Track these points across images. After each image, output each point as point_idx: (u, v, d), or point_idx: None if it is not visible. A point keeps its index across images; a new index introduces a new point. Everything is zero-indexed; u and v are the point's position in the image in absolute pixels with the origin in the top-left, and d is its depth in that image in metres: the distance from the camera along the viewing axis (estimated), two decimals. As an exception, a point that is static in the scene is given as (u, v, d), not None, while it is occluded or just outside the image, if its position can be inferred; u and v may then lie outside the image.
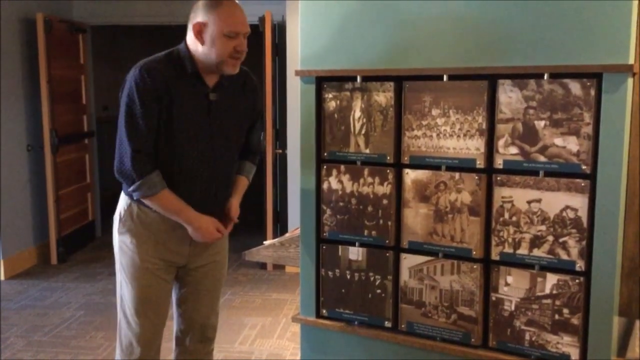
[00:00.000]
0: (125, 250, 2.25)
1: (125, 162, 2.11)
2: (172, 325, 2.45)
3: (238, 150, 2.34)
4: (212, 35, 2.08)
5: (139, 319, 2.24)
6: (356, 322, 2.04)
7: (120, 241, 2.26)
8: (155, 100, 2.09)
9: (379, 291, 1.99)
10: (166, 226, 2.22)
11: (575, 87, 1.66)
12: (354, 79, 1.94)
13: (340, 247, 2.03)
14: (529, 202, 1.74)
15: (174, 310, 2.43)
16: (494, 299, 1.83)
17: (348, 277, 2.02)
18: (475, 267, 1.83)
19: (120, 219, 2.26)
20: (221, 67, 2.12)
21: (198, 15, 2.10)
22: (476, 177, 1.80)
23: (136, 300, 2.24)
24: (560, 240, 1.72)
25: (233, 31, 2.07)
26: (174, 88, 2.12)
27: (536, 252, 1.75)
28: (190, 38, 2.15)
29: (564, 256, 1.72)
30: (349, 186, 1.98)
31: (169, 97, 2.11)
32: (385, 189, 1.93)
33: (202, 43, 2.11)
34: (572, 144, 1.67)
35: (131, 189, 2.12)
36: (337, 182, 2.00)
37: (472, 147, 1.80)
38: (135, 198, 2.16)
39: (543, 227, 1.73)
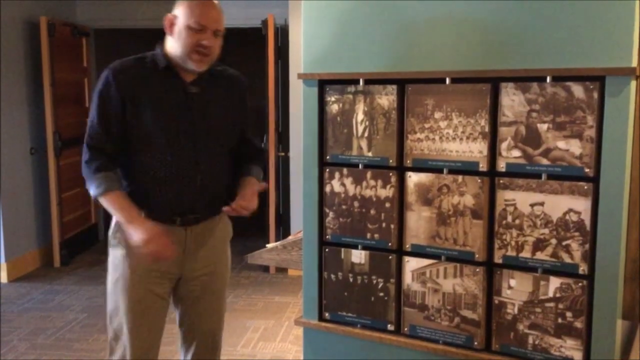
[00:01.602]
0: (117, 264, 2.19)
1: (82, 162, 2.15)
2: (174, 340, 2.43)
3: (228, 154, 2.28)
4: (179, 27, 2.10)
5: (130, 336, 2.17)
6: (359, 325, 2.03)
7: (113, 255, 2.21)
8: (116, 99, 2.10)
9: (381, 294, 1.98)
10: None
11: (578, 90, 1.66)
12: (356, 82, 1.94)
13: (342, 250, 2.03)
14: (531, 205, 1.74)
15: (177, 328, 2.37)
16: (496, 302, 1.82)
17: (351, 280, 2.02)
18: (478, 270, 1.83)
19: (113, 232, 2.21)
20: (186, 62, 2.11)
21: (173, 10, 2.14)
22: (479, 180, 1.80)
23: (128, 317, 2.17)
24: (564, 243, 1.71)
25: (198, 23, 2.07)
26: (145, 87, 2.13)
27: (539, 255, 1.75)
28: (166, 35, 2.17)
29: (567, 259, 1.71)
30: (351, 189, 1.98)
31: (134, 94, 2.11)
32: (387, 192, 1.93)
33: (171, 35, 2.13)
34: (575, 147, 1.67)
35: (86, 187, 2.15)
36: (339, 185, 2.00)
37: (475, 150, 1.80)
38: (92, 198, 2.16)
39: (546, 230, 1.73)
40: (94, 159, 2.13)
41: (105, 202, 2.13)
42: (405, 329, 1.96)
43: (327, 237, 2.05)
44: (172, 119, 2.14)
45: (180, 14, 2.11)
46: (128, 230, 2.10)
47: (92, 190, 2.14)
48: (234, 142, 2.31)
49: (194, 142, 2.16)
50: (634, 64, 1.60)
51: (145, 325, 2.20)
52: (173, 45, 2.13)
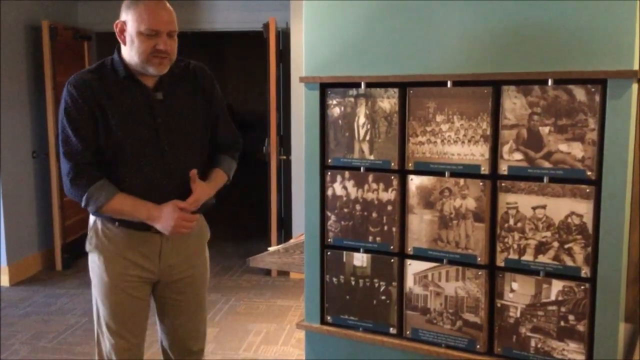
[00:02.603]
0: (95, 269, 2.20)
1: (66, 181, 2.07)
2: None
3: (201, 151, 2.27)
4: (131, 34, 2.05)
5: (113, 338, 2.18)
6: (361, 329, 2.03)
7: (90, 260, 2.23)
8: (86, 113, 2.05)
9: (383, 297, 1.98)
10: (131, 242, 2.16)
11: (579, 93, 1.66)
12: (358, 85, 1.94)
13: (344, 253, 2.02)
14: (533, 208, 1.74)
15: (157, 327, 2.38)
16: (499, 305, 1.82)
17: (353, 283, 2.02)
18: (480, 273, 1.83)
19: (88, 237, 2.22)
20: (145, 68, 2.07)
21: (120, 15, 2.09)
22: (481, 183, 1.80)
23: (110, 319, 2.18)
24: (566, 246, 1.71)
25: (150, 29, 2.02)
26: (108, 96, 2.07)
27: (541, 258, 1.75)
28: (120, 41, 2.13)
29: (569, 262, 1.71)
30: (353, 192, 1.98)
31: (101, 107, 2.06)
32: (389, 195, 1.93)
33: (124, 43, 2.09)
34: (577, 150, 1.67)
35: (83, 205, 2.08)
36: (341, 188, 2.00)
37: (477, 153, 1.79)
38: (91, 213, 2.12)
39: (548, 233, 1.73)
40: (81, 174, 2.06)
41: (112, 209, 2.08)
42: (408, 332, 1.96)
43: (329, 240, 2.05)
44: (139, 128, 2.11)
45: (129, 20, 2.06)
46: (153, 223, 2.09)
47: (93, 205, 2.07)
48: (206, 139, 2.29)
49: (162, 149, 2.14)
50: (636, 66, 1.60)
51: (127, 327, 2.20)
52: (128, 53, 2.09)
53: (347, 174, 1.99)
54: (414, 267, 1.92)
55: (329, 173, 2.02)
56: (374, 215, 1.96)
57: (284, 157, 5.34)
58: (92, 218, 2.23)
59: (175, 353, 2.36)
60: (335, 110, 1.98)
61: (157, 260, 2.20)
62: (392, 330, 1.98)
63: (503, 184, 1.78)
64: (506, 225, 1.79)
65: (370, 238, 1.98)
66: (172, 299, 2.29)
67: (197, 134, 2.25)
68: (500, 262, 1.81)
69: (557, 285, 1.73)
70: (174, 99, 2.19)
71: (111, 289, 2.17)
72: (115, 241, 2.17)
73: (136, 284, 2.19)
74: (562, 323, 1.73)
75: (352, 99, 1.95)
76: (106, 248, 2.18)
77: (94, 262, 2.21)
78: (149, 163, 2.12)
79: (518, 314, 1.79)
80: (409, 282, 1.94)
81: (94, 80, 2.10)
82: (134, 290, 2.19)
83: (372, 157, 1.95)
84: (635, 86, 1.62)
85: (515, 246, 1.78)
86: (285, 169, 5.36)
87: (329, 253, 2.05)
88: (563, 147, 1.69)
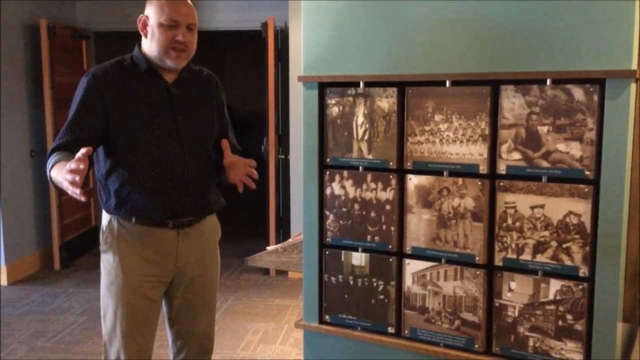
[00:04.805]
0: (109, 269, 2.18)
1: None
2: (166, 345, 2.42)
3: (210, 151, 2.27)
4: (152, 26, 2.11)
5: (124, 340, 2.16)
6: (359, 328, 2.03)
7: (104, 260, 2.20)
8: (99, 107, 2.08)
9: (382, 297, 1.98)
10: (148, 240, 2.16)
11: (578, 92, 1.66)
12: (356, 84, 1.94)
13: (343, 252, 2.03)
14: (532, 208, 1.74)
15: (167, 329, 2.37)
16: (497, 304, 1.82)
17: (351, 282, 2.02)
18: (478, 272, 1.83)
19: (103, 237, 2.20)
20: (164, 60, 2.11)
21: (145, 10, 2.14)
22: (479, 183, 1.80)
23: (122, 321, 2.15)
24: (564, 245, 1.71)
25: (170, 19, 2.07)
26: (128, 90, 2.12)
27: (539, 257, 1.75)
28: (142, 36, 2.17)
29: (568, 262, 1.71)
30: (351, 192, 1.98)
31: (117, 98, 2.10)
32: (388, 194, 1.93)
33: (145, 36, 2.14)
34: (575, 150, 1.67)
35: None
36: (339, 187, 2.00)
37: (475, 152, 1.80)
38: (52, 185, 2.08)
39: (546, 233, 1.73)
40: (57, 150, 2.11)
41: (53, 178, 2.06)
42: (406, 331, 1.96)
43: (328, 239, 2.05)
44: (158, 122, 2.14)
45: (151, 13, 2.11)
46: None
47: (47, 174, 2.08)
48: (214, 141, 2.31)
49: (181, 144, 2.16)
50: (634, 66, 1.60)
51: (139, 329, 2.19)
52: (149, 45, 2.13)
53: (345, 173, 1.99)
54: (412, 266, 1.93)
55: (328, 172, 2.02)
56: (373, 214, 1.96)
57: (283, 157, 5.33)
58: (106, 216, 2.21)
59: (189, 354, 2.35)
60: (334, 110, 1.98)
61: (174, 258, 2.20)
62: (391, 330, 1.98)
63: (501, 184, 1.78)
64: (504, 224, 1.79)
65: (369, 237, 1.98)
66: (185, 298, 2.29)
67: (209, 134, 2.27)
68: (498, 262, 1.81)
69: (555, 285, 1.73)
70: (191, 95, 2.23)
71: (125, 289, 2.15)
72: (132, 239, 2.16)
73: (152, 284, 2.19)
74: (560, 322, 1.74)
75: (350, 99, 1.95)
76: (122, 247, 2.16)
77: (108, 262, 2.19)
78: (166, 153, 2.14)
79: (516, 314, 1.80)
80: (408, 282, 1.94)
81: (114, 72, 2.15)
82: (149, 291, 2.18)
83: (370, 157, 1.95)
84: (633, 86, 1.63)
85: (513, 246, 1.78)
86: (283, 168, 5.36)
87: (327, 252, 2.05)
88: (561, 146, 1.69)
